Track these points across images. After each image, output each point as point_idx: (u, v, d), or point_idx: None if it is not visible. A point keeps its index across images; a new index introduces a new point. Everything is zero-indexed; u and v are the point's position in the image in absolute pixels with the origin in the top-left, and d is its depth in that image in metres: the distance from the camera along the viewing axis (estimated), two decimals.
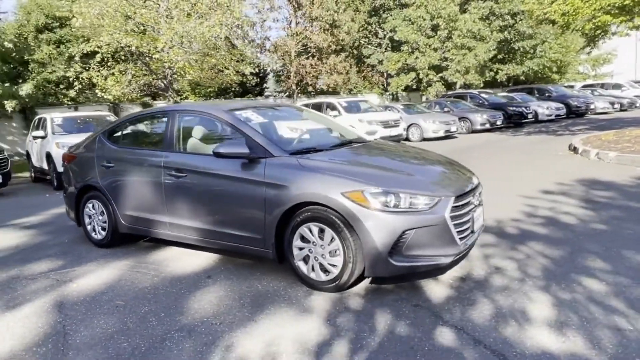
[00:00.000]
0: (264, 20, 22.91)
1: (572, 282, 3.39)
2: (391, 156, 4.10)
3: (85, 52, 14.00)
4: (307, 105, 16.82)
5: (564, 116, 21.26)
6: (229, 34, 15.08)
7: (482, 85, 26.84)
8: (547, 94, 23.28)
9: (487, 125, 17.96)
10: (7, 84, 12.52)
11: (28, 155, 11.78)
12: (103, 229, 4.87)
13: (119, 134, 4.94)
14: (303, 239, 3.46)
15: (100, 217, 4.87)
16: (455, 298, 3.24)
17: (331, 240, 3.32)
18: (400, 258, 3.19)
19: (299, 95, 25.18)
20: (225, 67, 16.10)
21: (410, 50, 25.63)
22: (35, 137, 10.24)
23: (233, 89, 24.98)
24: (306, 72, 23.37)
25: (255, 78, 28.08)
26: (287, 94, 26.10)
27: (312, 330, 2.88)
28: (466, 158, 10.54)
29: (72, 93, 16.68)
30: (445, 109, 19.22)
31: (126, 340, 2.85)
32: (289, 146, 3.78)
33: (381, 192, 3.19)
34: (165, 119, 4.48)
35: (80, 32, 13.94)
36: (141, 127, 4.94)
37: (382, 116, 15.07)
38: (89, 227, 5.03)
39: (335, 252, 3.31)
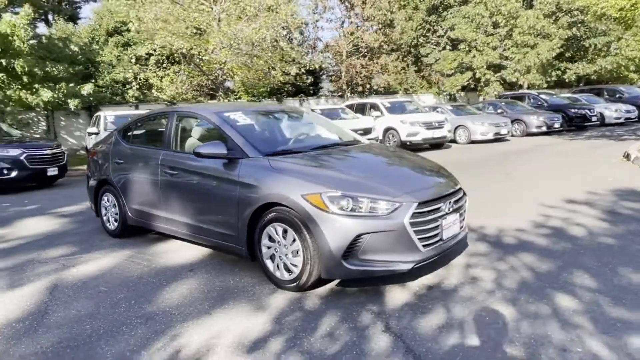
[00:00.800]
0: (317, 21, 23.17)
1: (543, 297, 3.22)
2: (368, 160, 4.09)
3: (142, 54, 14.96)
4: (350, 106, 16.86)
5: (636, 119, 19.57)
6: (276, 36, 15.43)
7: (545, 85, 25.35)
8: (617, 95, 21.53)
9: (544, 128, 16.99)
10: (71, 84, 13.75)
11: (87, 149, 12.82)
12: (115, 220, 5.27)
13: (130, 132, 5.31)
14: (270, 238, 3.57)
15: (113, 210, 5.27)
16: (412, 305, 3.19)
17: (293, 240, 3.39)
18: (355, 262, 3.20)
19: (351, 95, 25.19)
20: (272, 68, 16.52)
21: (467, 49, 24.77)
22: (89, 134, 11.14)
23: (286, 88, 25.54)
24: (356, 72, 23.31)
25: (308, 78, 28.52)
26: (339, 94, 26.20)
27: (257, 326, 2.98)
28: (503, 163, 10.11)
29: (130, 93, 17.91)
30: (499, 111, 18.40)
31: (90, 323, 3.12)
32: (266, 148, 3.89)
33: (339, 196, 3.22)
34: (165, 120, 4.77)
35: (138, 36, 14.92)
36: (148, 126, 5.28)
37: (425, 117, 14.73)
38: (104, 218, 5.46)
39: (297, 252, 3.38)
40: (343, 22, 24.56)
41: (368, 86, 24.43)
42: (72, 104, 13.63)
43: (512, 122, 17.30)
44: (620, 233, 4.57)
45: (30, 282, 3.97)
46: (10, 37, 11.93)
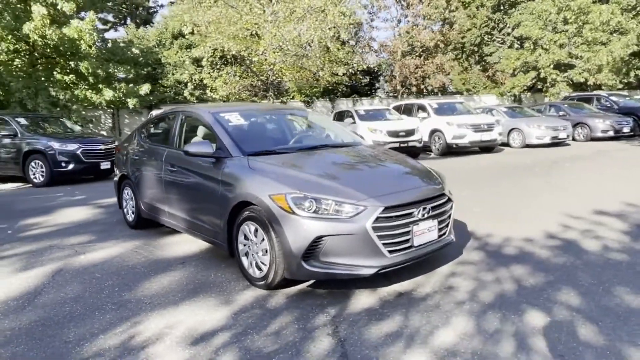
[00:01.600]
0: (372, 20, 23.01)
1: (514, 313, 3.04)
2: (349, 162, 4.06)
3: (197, 56, 15.74)
4: (398, 107, 16.59)
5: None
6: (324, 37, 15.55)
7: (620, 86, 23.31)
8: None
9: (610, 133, 15.70)
10: (130, 85, 14.78)
11: None
12: (133, 212, 5.64)
13: (146, 130, 5.65)
14: (245, 236, 3.66)
15: (131, 202, 5.64)
16: (371, 311, 3.14)
17: (262, 239, 3.46)
18: (316, 263, 3.21)
19: (405, 95, 24.76)
20: (320, 69, 16.67)
21: (532, 47, 23.40)
22: None
23: (340, 89, 25.62)
24: (410, 71, 22.87)
25: (365, 78, 28.39)
26: (394, 94, 25.86)
27: (212, 320, 3.08)
28: (551, 169, 9.50)
29: (186, 93, 18.88)
30: (561, 113, 17.24)
31: (71, 306, 3.39)
32: (250, 148, 3.98)
33: (302, 197, 3.24)
34: (173, 119, 5.03)
35: (193, 38, 15.71)
36: (161, 124, 5.57)
37: (473, 119, 14.14)
38: (124, 211, 5.85)
39: (265, 251, 3.45)
40: (399, 21, 24.21)
41: (422, 86, 23.85)
42: (131, 102, 14.65)
43: (575, 125, 16.16)
44: (638, 250, 4.17)
45: (42, 266, 4.37)
46: (77, 41, 13.06)
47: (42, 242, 5.22)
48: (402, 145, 13.10)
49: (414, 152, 13.64)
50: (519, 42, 25.37)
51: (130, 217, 5.70)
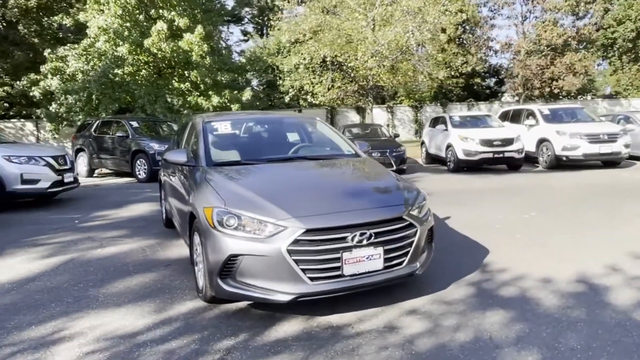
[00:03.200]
0: (491, 18, 21.23)
1: None
2: (305, 176, 3.78)
3: (294, 63, 16.32)
4: (506, 113, 15.04)
5: None
6: (421, 39, 14.83)
7: None
8: None
9: None
10: (235, 92, 15.93)
11: None
12: (164, 212, 6.06)
13: (177, 135, 6.01)
14: (196, 246, 3.66)
15: (163, 202, 6.07)
16: (279, 343, 2.87)
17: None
18: (232, 282, 3.06)
19: (531, 99, 22.31)
20: (420, 73, 15.95)
21: None
22: None
23: (455, 92, 24.23)
24: (533, 73, 20.50)
25: (488, 80, 26.40)
26: (517, 98, 23.52)
27: (132, 326, 3.13)
28: None
29: (287, 99, 19.66)
30: None
31: (41, 295, 3.75)
32: (217, 158, 3.96)
33: (224, 212, 3.11)
34: (186, 125, 5.27)
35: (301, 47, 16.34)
36: (185, 130, 5.86)
37: (590, 128, 12.08)
38: (162, 210, 6.32)
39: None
40: (525, 18, 21.88)
41: (549, 89, 21.21)
42: (234, 108, 15.79)
43: None
44: None
45: (62, 255, 4.94)
46: (189, 53, 14.54)
47: (85, 233, 5.90)
48: (496, 156, 11.83)
49: (513, 164, 12.22)
50: None
51: (163, 216, 6.13)
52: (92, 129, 13.43)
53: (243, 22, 38.96)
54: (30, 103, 17.38)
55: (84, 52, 14.86)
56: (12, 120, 20.50)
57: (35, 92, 15.25)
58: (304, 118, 5.72)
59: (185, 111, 15.58)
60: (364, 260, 3.06)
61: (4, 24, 20.03)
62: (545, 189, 8.68)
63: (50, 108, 15.22)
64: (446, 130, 13.11)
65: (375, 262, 3.10)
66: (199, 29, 14.56)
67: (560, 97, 22.94)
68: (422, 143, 15.33)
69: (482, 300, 3.44)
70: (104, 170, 14.09)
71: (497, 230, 5.54)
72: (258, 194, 3.26)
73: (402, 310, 3.30)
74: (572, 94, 23.07)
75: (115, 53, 14.42)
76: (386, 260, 3.14)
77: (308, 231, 2.94)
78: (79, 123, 14.62)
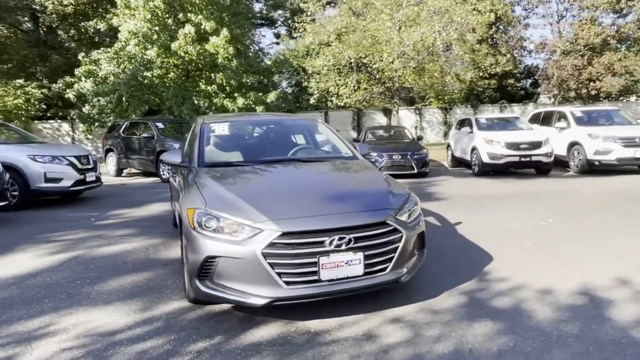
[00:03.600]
0: (525, 18, 20.53)
1: None
2: (291, 178, 3.74)
3: (319, 64, 16.33)
4: (536, 115, 14.52)
5: None
6: (447, 39, 14.50)
7: None
8: None
9: None
10: (259, 93, 16.08)
11: None
12: (174, 212, 6.15)
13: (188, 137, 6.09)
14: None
15: (172, 202, 6.16)
16: (252, 347, 2.83)
17: None
18: (210, 284, 3.04)
19: (567, 100, 21.43)
20: (447, 74, 15.60)
21: None
22: None
23: (487, 93, 23.60)
24: (569, 74, 19.67)
25: (523, 82, 25.59)
26: (553, 99, 22.65)
27: (114, 324, 3.16)
28: None
29: (312, 101, 19.67)
30: None
31: (38, 290, 3.86)
32: (209, 159, 3.98)
33: (204, 213, 3.11)
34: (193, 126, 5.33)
35: (312, 47, 16.35)
36: (190, 132, 5.93)
37: (625, 131, 11.45)
38: (173, 209, 6.42)
39: None
40: (561, 17, 21.04)
41: (585, 90, 20.30)
42: (259, 109, 15.94)
43: None
44: None
45: (70, 252, 5.08)
46: (214, 55, 14.79)
47: (97, 231, 6.07)
48: (523, 159, 11.39)
49: (541, 168, 11.74)
50: None
51: (173, 215, 6.22)
52: (121, 130, 13.86)
53: (276, 25, 39.37)
54: (67, 104, 18.18)
55: (115, 56, 15.39)
56: (49, 121, 21.50)
57: (70, 94, 15.92)
58: (304, 120, 5.66)
59: (211, 112, 15.86)
60: (343, 266, 2.98)
61: (44, 29, 21.09)
62: (571, 195, 8.28)
63: (84, 109, 15.85)
64: (471, 132, 12.75)
65: (354, 267, 3.01)
66: (224, 32, 14.78)
67: (600, 98, 21.93)
68: (448, 146, 14.98)
69: (471, 310, 3.29)
70: (133, 170, 14.52)
71: (508, 237, 5.31)
72: (240, 196, 3.24)
73: (385, 318, 3.20)
74: (612, 96, 22.01)
75: (144, 56, 14.86)
76: (367, 266, 3.05)
77: (284, 234, 2.90)
78: (109, 124, 15.13)
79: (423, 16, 14.81)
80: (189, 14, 15.25)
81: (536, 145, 11.56)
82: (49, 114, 21.51)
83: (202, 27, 14.94)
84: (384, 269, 3.14)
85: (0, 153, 7.72)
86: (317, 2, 15.78)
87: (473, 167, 12.31)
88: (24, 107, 17.28)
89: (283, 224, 2.94)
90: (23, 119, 18.07)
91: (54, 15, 19.36)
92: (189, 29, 14.78)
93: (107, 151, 14.29)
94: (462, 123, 14.19)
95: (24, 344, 2.93)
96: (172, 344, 2.89)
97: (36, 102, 18.47)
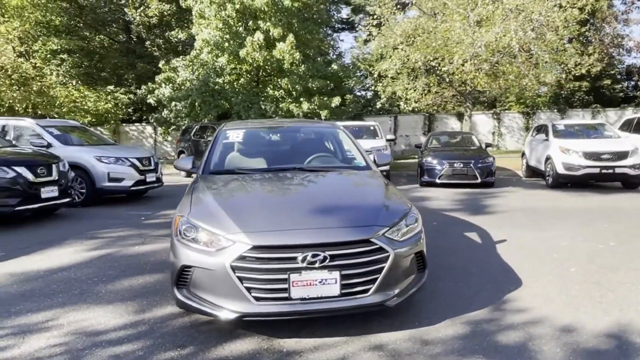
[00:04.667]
0: (623, 13, 18.38)
1: None
2: (284, 188, 3.59)
3: (385, 68, 15.98)
4: (629, 121, 12.93)
5: None
6: (524, 39, 13.38)
7: None
8: None
9: None
10: (324, 98, 16.08)
11: None
12: None
13: None
14: None
15: None
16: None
17: None
18: (186, 293, 3.02)
19: None
20: (524, 76, 14.44)
21: None
22: None
23: (578, 96, 21.60)
24: None
25: (617, 84, 23.06)
26: None
27: (106, 324, 3.26)
28: None
29: (379, 105, 19.25)
30: None
31: (57, 285, 4.12)
32: (214, 166, 3.98)
33: (185, 222, 3.10)
34: None
35: (380, 51, 16.01)
36: None
37: None
38: None
39: None
40: None
41: None
42: (323, 114, 15.97)
43: None
44: None
45: (104, 249, 5.40)
46: (281, 61, 15.09)
47: (140, 230, 6.41)
48: (604, 171, 10.15)
49: (627, 181, 10.39)
50: None
51: None
52: (192, 133, 14.66)
53: (356, 29, 39.40)
54: (150, 109, 19.70)
55: (190, 63, 16.33)
56: (135, 124, 23.45)
57: (151, 100, 17.18)
58: (324, 127, 5.48)
59: (277, 117, 16.20)
60: (316, 284, 2.79)
61: (135, 39, 23.08)
62: None
63: (162, 114, 17.03)
64: (547, 140, 11.66)
65: (329, 287, 2.81)
66: (290, 37, 15.03)
67: None
68: (523, 154, 13.85)
69: (467, 344, 2.92)
70: None
71: (552, 260, 4.72)
72: (224, 206, 3.19)
73: (368, 344, 2.95)
74: None
75: (216, 63, 15.60)
76: (344, 286, 2.83)
77: (255, 248, 2.79)
78: (182, 128, 16.09)
79: (498, 15, 13.85)
80: (259, 22, 15.73)
81: (621, 155, 10.24)
82: (134, 118, 23.49)
83: (270, 33, 15.33)
84: (365, 291, 2.89)
85: (72, 154, 8.50)
86: (388, 4, 15.41)
87: (547, 178, 11.25)
88: (113, 111, 19.02)
89: (254, 236, 2.83)
90: (112, 122, 19.89)
91: (141, 27, 21.09)
92: (258, 36, 15.24)
93: (180, 153, 15.19)
94: (539, 129, 13.05)
95: (19, 336, 3.12)
96: (144, 351, 2.90)
97: (123, 107, 20.25)
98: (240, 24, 16.37)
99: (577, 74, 16.02)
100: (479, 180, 10.95)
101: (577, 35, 17.89)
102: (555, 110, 20.90)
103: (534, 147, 12.72)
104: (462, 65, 14.45)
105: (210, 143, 4.43)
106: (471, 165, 11.05)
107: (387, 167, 11.85)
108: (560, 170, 10.54)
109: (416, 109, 18.18)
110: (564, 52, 15.33)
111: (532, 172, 12.89)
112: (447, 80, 16.12)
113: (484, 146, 12.85)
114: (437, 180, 11.16)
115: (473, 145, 12.89)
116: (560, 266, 4.51)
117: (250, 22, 16.11)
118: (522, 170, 13.76)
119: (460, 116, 20.19)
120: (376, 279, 2.91)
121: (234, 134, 4.57)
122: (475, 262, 4.75)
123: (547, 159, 11.22)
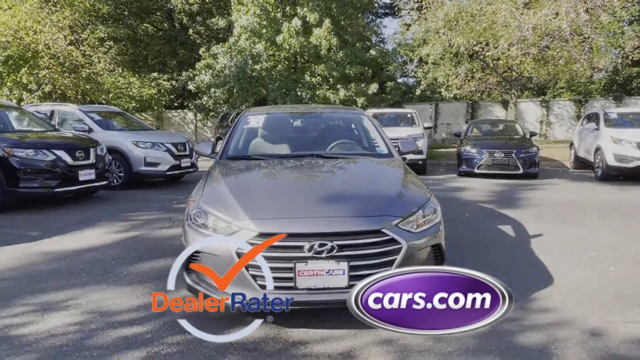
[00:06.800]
0: None
1: None
2: (300, 175, 3.47)
3: (425, 53, 15.47)
4: None
5: None
6: (576, 21, 12.50)
7: None
8: None
9: None
10: (361, 85, 15.79)
11: None
12: None
13: None
14: None
15: None
16: (221, 345, 2.74)
17: None
18: (196, 279, 3.00)
19: None
20: (576, 61, 13.55)
21: None
22: None
23: (635, 83, 20.19)
24: None
25: None
26: None
27: (121, 307, 3.33)
28: None
29: (418, 92, 18.68)
30: None
31: (84, 264, 4.24)
32: (232, 151, 3.94)
33: (196, 207, 3.08)
34: None
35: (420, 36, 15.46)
36: None
37: None
38: None
39: None
40: None
41: None
42: (360, 101, 15.71)
43: None
44: None
45: (134, 231, 5.54)
46: (318, 47, 14.92)
47: (170, 214, 6.54)
48: None
49: None
50: None
51: None
52: (229, 120, 14.83)
53: (401, 15, 38.41)
54: (191, 95, 20.12)
55: (229, 50, 16.46)
56: (177, 110, 24.02)
57: (191, 86, 17.50)
58: (349, 113, 5.29)
59: (313, 104, 16.11)
60: (323, 275, 2.70)
61: (178, 27, 23.53)
62: None
63: (202, 101, 17.33)
64: (597, 129, 10.91)
65: (337, 278, 2.71)
66: (327, 22, 14.80)
67: None
68: (571, 144, 13.08)
69: (483, 343, 2.75)
70: None
71: (590, 258, 4.40)
72: (235, 192, 3.14)
73: (377, 338, 2.84)
74: None
75: (253, 50, 15.63)
76: (353, 277, 2.71)
77: (261, 235, 2.72)
78: (221, 114, 16.32)
79: None
80: (296, 7, 15.60)
81: None
82: (176, 104, 24.09)
83: (307, 19, 15.16)
84: None
85: (110, 138, 8.79)
86: None
87: (596, 169, 10.56)
88: (156, 97, 19.55)
89: (261, 224, 2.76)
90: (155, 108, 20.47)
91: (183, 14, 21.45)
92: (295, 22, 15.12)
93: (218, 139, 15.41)
94: (589, 118, 12.25)
95: (39, 313, 3.23)
96: (153, 334, 2.92)
97: (166, 93, 20.77)
98: (278, 9, 16.30)
99: (635, 59, 14.87)
100: (521, 171, 10.44)
101: (639, 16, 16.53)
102: (611, 98, 19.57)
103: (583, 137, 11.97)
104: (508, 49, 13.74)
105: (231, 128, 4.40)
106: (513, 155, 10.54)
107: (423, 156, 11.53)
108: (611, 161, 9.86)
109: (458, 96, 17.53)
110: (622, 35, 14.24)
111: (581, 163, 12.15)
112: (492, 65, 15.39)
113: (528, 135, 12.23)
114: (476, 170, 10.74)
115: (516, 134, 12.30)
116: (598, 264, 4.19)
117: (288, 8, 16.00)
118: (570, 161, 13.02)
119: (505, 104, 19.31)
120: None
121: (255, 119, 4.51)
122: (505, 256, 4.50)
123: (597, 149, 10.52)
